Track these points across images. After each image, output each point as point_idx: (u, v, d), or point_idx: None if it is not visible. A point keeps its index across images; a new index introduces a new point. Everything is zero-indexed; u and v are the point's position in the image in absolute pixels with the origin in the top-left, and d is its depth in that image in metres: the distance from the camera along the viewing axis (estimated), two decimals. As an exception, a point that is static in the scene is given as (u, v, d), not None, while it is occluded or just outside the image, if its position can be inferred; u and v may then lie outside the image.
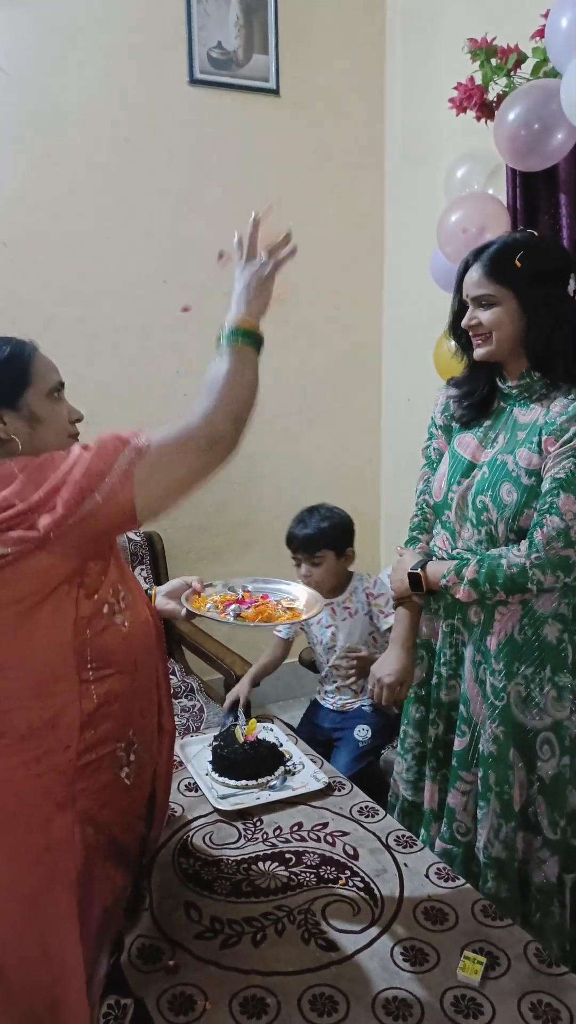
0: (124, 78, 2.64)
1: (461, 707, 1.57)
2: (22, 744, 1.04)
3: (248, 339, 1.14)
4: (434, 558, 1.60)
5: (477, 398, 1.54)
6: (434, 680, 1.62)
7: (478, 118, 2.32)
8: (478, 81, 2.27)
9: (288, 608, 1.53)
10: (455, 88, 2.30)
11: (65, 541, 0.99)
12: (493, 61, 2.22)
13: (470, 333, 1.50)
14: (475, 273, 1.45)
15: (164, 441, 1.03)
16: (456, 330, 1.55)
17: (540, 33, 2.08)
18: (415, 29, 2.97)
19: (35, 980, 1.07)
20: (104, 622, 1.07)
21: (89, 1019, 1.07)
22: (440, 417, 1.65)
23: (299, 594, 1.57)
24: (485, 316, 1.45)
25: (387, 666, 1.63)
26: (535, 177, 2.27)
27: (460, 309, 1.52)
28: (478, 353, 1.49)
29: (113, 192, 2.68)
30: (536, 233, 1.48)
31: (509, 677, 1.48)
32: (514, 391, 1.50)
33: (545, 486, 1.40)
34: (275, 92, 2.88)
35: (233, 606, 1.47)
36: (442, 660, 1.60)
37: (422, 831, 1.68)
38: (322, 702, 2.23)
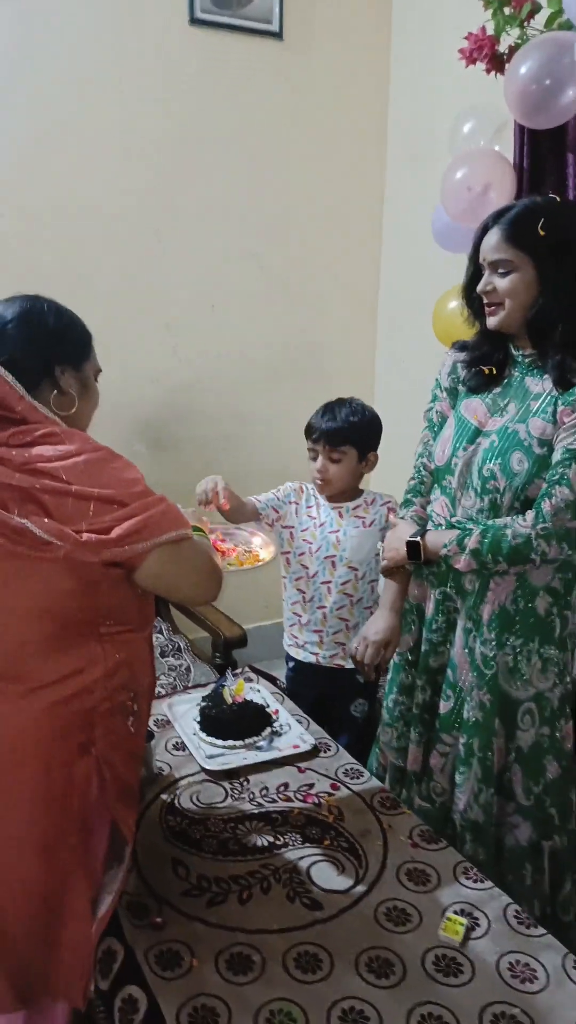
0: (121, 17, 2.53)
1: (448, 672, 1.58)
2: (46, 689, 1.07)
3: (201, 532, 1.36)
4: (430, 525, 1.59)
5: (494, 362, 1.51)
6: (424, 647, 1.63)
7: (488, 71, 2.24)
8: (489, 31, 2.19)
9: (246, 552, 1.71)
10: (465, 38, 2.22)
11: (91, 557, 1.04)
12: (506, 10, 2.14)
13: (484, 300, 1.46)
14: (494, 237, 1.41)
15: (196, 547, 1.15)
16: (470, 295, 1.51)
17: (557, -18, 2.00)
18: (425, -27, 2.86)
19: (36, 929, 1.10)
20: (121, 586, 1.10)
21: (90, 966, 1.10)
22: (447, 380, 1.63)
23: (252, 540, 1.73)
24: (501, 283, 1.41)
25: (375, 625, 1.65)
26: (544, 135, 2.21)
27: (475, 274, 1.48)
28: (491, 322, 1.46)
29: (106, 137, 2.59)
30: (558, 198, 1.42)
31: (499, 647, 1.49)
32: (527, 359, 1.48)
33: (556, 457, 1.38)
34: (278, 35, 2.78)
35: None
36: (433, 627, 1.60)
37: (403, 792, 1.71)
38: (301, 656, 2.01)
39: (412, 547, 1.53)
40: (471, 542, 1.42)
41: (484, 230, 1.44)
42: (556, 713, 1.53)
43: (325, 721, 1.84)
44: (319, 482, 1.95)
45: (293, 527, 2.01)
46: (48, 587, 1.06)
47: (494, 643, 1.49)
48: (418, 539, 1.52)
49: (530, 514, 1.39)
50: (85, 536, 1.01)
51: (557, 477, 1.37)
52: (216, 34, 2.68)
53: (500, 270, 1.41)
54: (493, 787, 1.53)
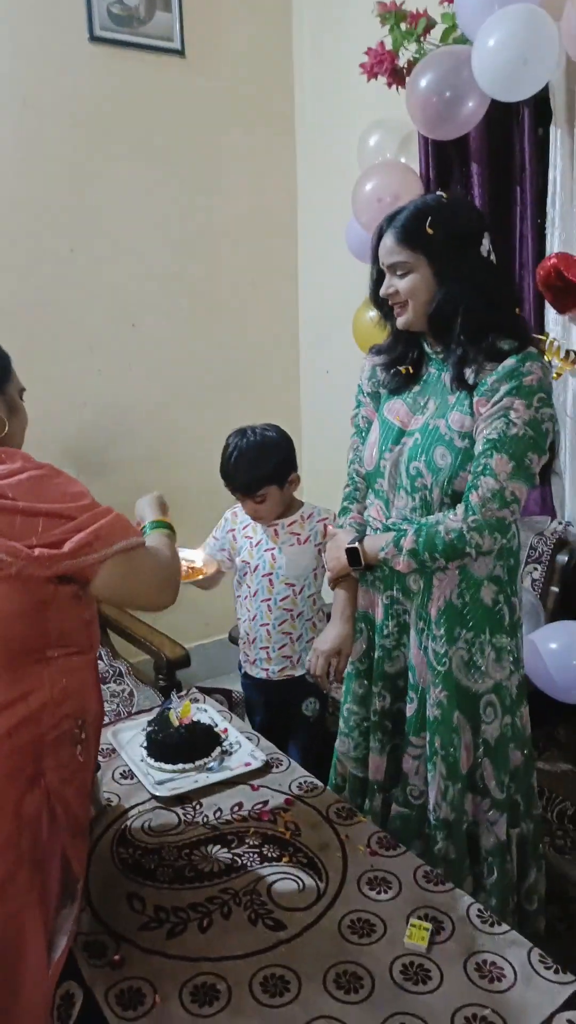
0: (20, 34, 2.49)
1: (409, 675, 1.57)
2: None
3: (167, 527, 1.42)
4: (368, 530, 1.59)
5: (408, 363, 1.53)
6: (377, 653, 1.62)
7: (389, 84, 2.30)
8: (388, 46, 2.24)
9: (190, 568, 1.77)
10: (365, 53, 2.27)
11: (42, 573, 1.02)
12: (403, 26, 2.20)
13: (389, 302, 1.48)
14: (388, 240, 1.43)
15: (149, 555, 1.17)
16: (376, 299, 1.52)
17: (449, -2, 2.07)
18: (322, -9, 2.91)
19: None
20: (69, 606, 1.08)
21: (47, 1009, 1.05)
22: (367, 384, 1.64)
23: (195, 556, 1.81)
24: (401, 284, 1.43)
25: (324, 635, 1.63)
26: (447, 146, 2.28)
27: (379, 277, 1.49)
28: (399, 322, 1.48)
29: (11, 156, 2.54)
30: (445, 196, 1.45)
31: (451, 642, 1.49)
32: (440, 355, 1.49)
33: (478, 448, 1.39)
34: (180, 53, 2.78)
35: None
36: (384, 632, 1.59)
37: (367, 802, 1.69)
38: (254, 672, 2.02)
39: (351, 554, 1.52)
40: (407, 543, 1.43)
41: (380, 234, 1.45)
42: (516, 701, 1.54)
43: (280, 724, 1.89)
44: (254, 519, 1.97)
45: (236, 551, 2.02)
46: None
47: (444, 639, 1.49)
48: (356, 545, 1.52)
49: (460, 508, 1.40)
50: (38, 551, 1.00)
51: (481, 468, 1.37)
52: (117, 51, 2.66)
53: (398, 272, 1.43)
54: (460, 783, 1.53)
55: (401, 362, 1.54)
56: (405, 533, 1.44)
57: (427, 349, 1.52)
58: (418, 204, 1.43)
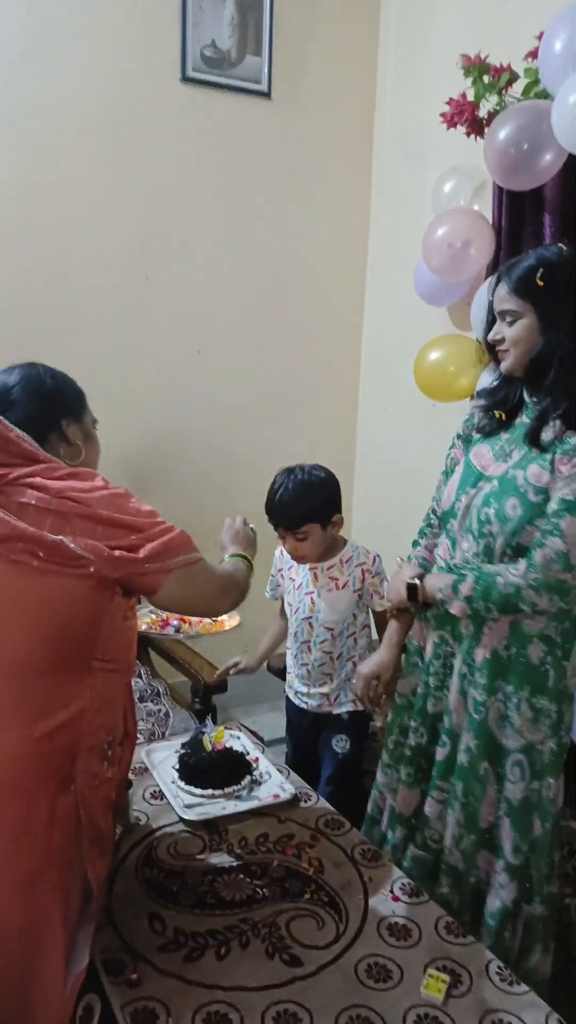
0: (116, 71, 2.61)
1: (445, 718, 1.57)
2: (37, 721, 1.09)
3: (245, 559, 1.54)
4: (433, 568, 1.60)
5: (508, 407, 1.53)
6: (420, 690, 1.62)
7: (468, 134, 2.33)
8: (470, 97, 2.28)
9: (212, 620, 1.88)
10: (447, 103, 2.31)
11: (115, 574, 1.12)
12: (485, 78, 2.23)
13: (496, 347, 1.50)
14: (502, 288, 1.46)
15: (208, 568, 1.28)
16: (487, 341, 1.54)
17: (533, 54, 2.09)
18: (409, 40, 2.98)
19: (8, 974, 1.06)
20: (119, 622, 1.17)
21: (64, 1017, 1.07)
22: (463, 428, 1.65)
23: None
24: (508, 332, 1.46)
25: (369, 659, 1.72)
26: (521, 196, 2.29)
27: (492, 321, 1.52)
28: (503, 367, 1.50)
29: (99, 186, 2.65)
30: (564, 248, 1.46)
31: (490, 692, 1.48)
32: (537, 405, 1.48)
33: (551, 507, 1.38)
34: (267, 95, 2.87)
35: (174, 622, 1.86)
36: (431, 671, 1.60)
37: (390, 833, 1.68)
38: (295, 701, 2.06)
39: (411, 589, 1.55)
40: (464, 587, 1.44)
41: (498, 280, 1.48)
42: (547, 768, 1.48)
43: (313, 753, 1.98)
44: (295, 559, 1.99)
45: (285, 590, 2.07)
46: (63, 607, 1.10)
47: (485, 688, 1.48)
48: (416, 582, 1.54)
49: (522, 563, 1.39)
50: (117, 553, 1.11)
51: (551, 528, 1.37)
52: (206, 92, 2.76)
53: (508, 319, 1.46)
54: (475, 836, 1.51)
55: (500, 407, 1.55)
56: (464, 578, 1.45)
57: (526, 398, 1.52)
58: (537, 255, 1.46)
